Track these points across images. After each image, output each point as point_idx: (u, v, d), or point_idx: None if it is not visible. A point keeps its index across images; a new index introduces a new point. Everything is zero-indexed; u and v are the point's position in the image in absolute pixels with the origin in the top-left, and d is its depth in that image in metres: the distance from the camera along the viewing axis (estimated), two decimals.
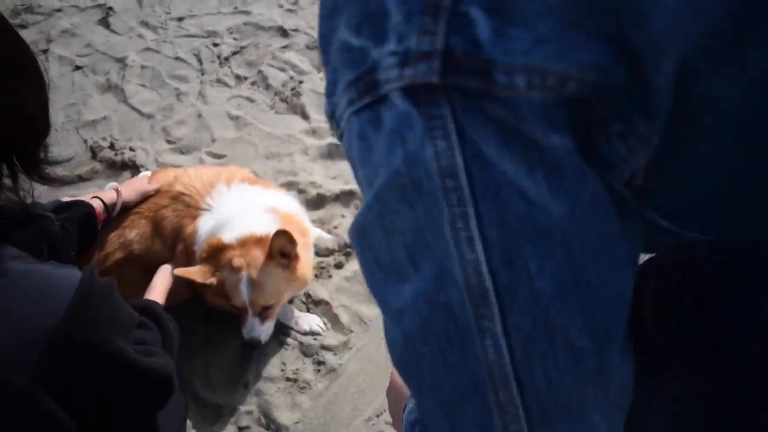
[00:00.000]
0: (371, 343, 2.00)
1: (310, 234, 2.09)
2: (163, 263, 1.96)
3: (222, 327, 2.03)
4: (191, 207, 2.02)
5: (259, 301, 1.83)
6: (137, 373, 1.34)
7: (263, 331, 1.88)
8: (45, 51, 3.40)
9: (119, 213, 2.08)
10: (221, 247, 1.91)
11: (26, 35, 3.49)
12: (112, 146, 2.81)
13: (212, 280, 1.84)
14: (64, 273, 1.17)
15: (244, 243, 1.89)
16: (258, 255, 1.84)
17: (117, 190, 2.08)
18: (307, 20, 3.23)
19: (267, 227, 1.87)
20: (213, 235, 1.94)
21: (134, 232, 2.05)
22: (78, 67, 3.28)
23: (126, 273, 1.97)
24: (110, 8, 3.61)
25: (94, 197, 2.03)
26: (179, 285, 1.92)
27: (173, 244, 2.03)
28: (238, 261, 1.83)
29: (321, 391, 1.91)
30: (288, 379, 1.94)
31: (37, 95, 1.20)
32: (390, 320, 0.60)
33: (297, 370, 1.96)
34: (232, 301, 1.84)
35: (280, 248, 1.82)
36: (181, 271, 1.84)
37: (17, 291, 1.08)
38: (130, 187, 2.13)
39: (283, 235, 1.80)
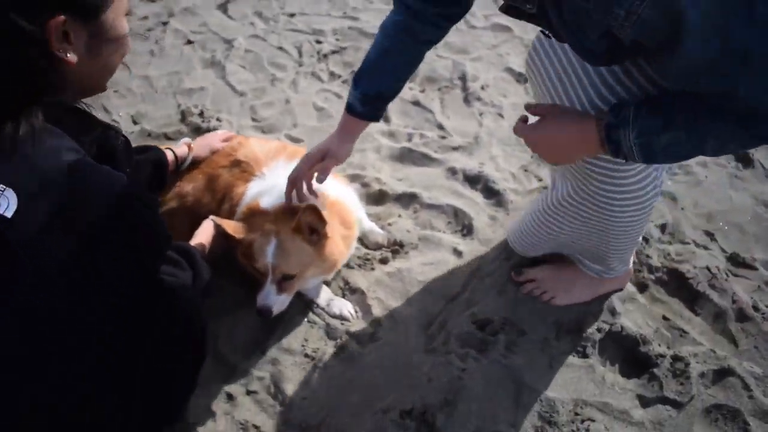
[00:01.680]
0: (396, 341, 1.94)
1: (355, 226, 2.08)
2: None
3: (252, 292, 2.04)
4: (246, 172, 2.06)
5: (281, 266, 1.81)
6: (156, 288, 1.37)
7: (277, 301, 1.85)
8: (165, 23, 3.64)
9: (188, 166, 2.17)
10: (258, 210, 1.93)
11: (151, 8, 3.77)
12: (201, 114, 2.94)
13: (242, 236, 1.85)
14: (115, 174, 1.22)
15: (280, 212, 1.90)
16: (289, 226, 1.85)
17: (188, 146, 2.17)
18: None
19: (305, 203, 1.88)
20: (255, 199, 1.98)
21: (190, 185, 2.12)
22: (189, 42, 3.48)
23: (177, 222, 2.02)
24: None
25: (168, 148, 2.12)
26: (215, 237, 1.96)
27: (221, 201, 2.07)
28: (269, 226, 1.85)
29: (335, 374, 1.86)
30: (306, 356, 1.91)
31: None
32: None
33: (317, 349, 1.93)
34: (256, 262, 1.84)
35: (308, 223, 1.82)
36: (217, 219, 1.87)
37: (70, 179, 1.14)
38: (202, 143, 2.21)
39: (311, 210, 1.80)
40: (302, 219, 1.80)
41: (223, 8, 3.78)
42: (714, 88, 1.14)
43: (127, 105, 3.05)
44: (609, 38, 1.18)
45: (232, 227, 1.87)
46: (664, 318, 1.98)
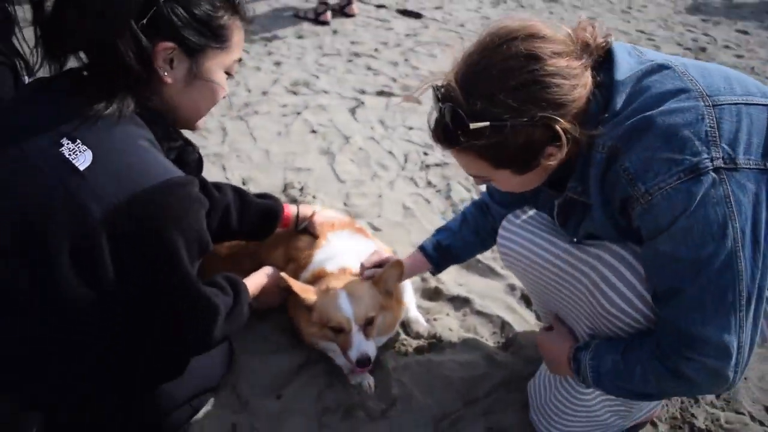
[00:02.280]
0: (405, 425, 1.92)
1: (402, 307, 2.16)
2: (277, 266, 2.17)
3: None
4: (313, 237, 2.23)
5: (360, 311, 1.89)
6: (188, 289, 1.48)
7: (370, 346, 1.91)
8: (299, 113, 4.10)
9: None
10: (323, 274, 2.07)
11: (293, 99, 4.26)
12: (301, 189, 3.23)
13: (311, 297, 1.97)
14: (173, 169, 1.41)
15: (343, 272, 2.03)
16: (355, 281, 1.97)
17: (314, 213, 2.37)
18: None
19: (372, 256, 2.01)
20: (321, 266, 2.12)
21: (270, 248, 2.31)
22: (313, 131, 3.90)
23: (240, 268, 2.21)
24: (362, 103, 4.27)
25: (294, 205, 2.35)
26: (272, 290, 2.10)
27: (288, 261, 2.24)
28: (335, 282, 1.97)
29: None
30: (316, 411, 1.95)
31: None
32: None
33: (328, 408, 1.96)
34: (330, 322, 1.91)
35: (389, 278, 1.98)
36: (287, 277, 2.00)
37: (132, 155, 1.35)
38: (323, 216, 2.38)
39: (398, 264, 1.94)
40: (387, 271, 1.96)
41: (352, 111, 4.20)
42: (669, 282, 1.31)
43: (243, 168, 3.43)
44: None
45: (300, 288, 1.97)
46: None
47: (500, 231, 1.86)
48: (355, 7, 6.26)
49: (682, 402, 2.05)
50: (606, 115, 1.31)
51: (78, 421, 1.58)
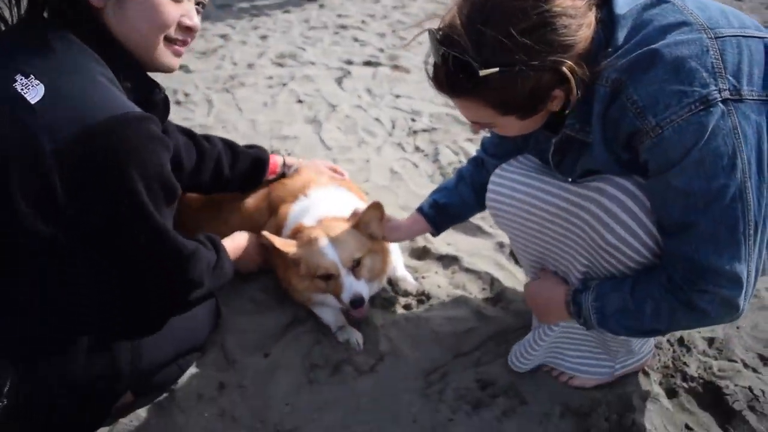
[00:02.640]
0: (393, 377, 1.89)
1: (389, 261, 2.13)
2: (263, 227, 2.13)
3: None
4: (295, 191, 2.19)
5: (346, 253, 1.86)
6: (153, 234, 1.40)
7: (362, 285, 1.88)
8: (284, 84, 4.05)
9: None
10: (302, 229, 2.03)
11: (278, 71, 4.20)
12: (288, 155, 3.18)
13: (293, 250, 1.93)
14: (131, 105, 1.34)
15: (322, 221, 2.00)
16: (336, 225, 1.93)
17: (300, 161, 2.37)
18: None
19: (345, 211, 1.96)
20: (298, 220, 2.08)
21: (253, 198, 2.27)
22: (300, 101, 3.85)
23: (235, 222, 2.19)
24: (348, 72, 4.22)
25: (281, 155, 2.33)
26: (251, 252, 2.07)
27: (270, 215, 2.21)
28: (315, 232, 1.94)
29: (324, 391, 1.83)
30: (303, 368, 1.92)
31: None
32: None
33: (315, 365, 1.93)
34: (318, 270, 1.88)
35: (368, 220, 1.94)
36: (269, 234, 1.97)
37: (88, 89, 1.30)
38: (311, 163, 2.41)
39: (376, 206, 1.91)
40: (366, 213, 1.93)
41: (338, 81, 4.15)
42: (680, 216, 1.30)
43: (229, 138, 3.37)
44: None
45: (281, 242, 1.95)
46: (687, 427, 1.79)
47: (490, 179, 1.82)
48: None
49: (674, 351, 2.03)
50: (609, 50, 1.29)
51: (60, 377, 1.53)
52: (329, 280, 1.90)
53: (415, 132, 3.50)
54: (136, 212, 1.34)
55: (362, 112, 3.72)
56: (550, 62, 1.23)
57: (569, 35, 1.23)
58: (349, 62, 4.45)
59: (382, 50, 4.64)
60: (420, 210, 2.05)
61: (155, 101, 1.55)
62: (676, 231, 1.32)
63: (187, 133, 2.09)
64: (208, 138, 2.06)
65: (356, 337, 2.03)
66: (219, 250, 1.77)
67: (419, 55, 4.46)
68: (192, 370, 1.92)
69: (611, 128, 1.33)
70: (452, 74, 1.27)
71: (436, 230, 2.07)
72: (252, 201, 2.27)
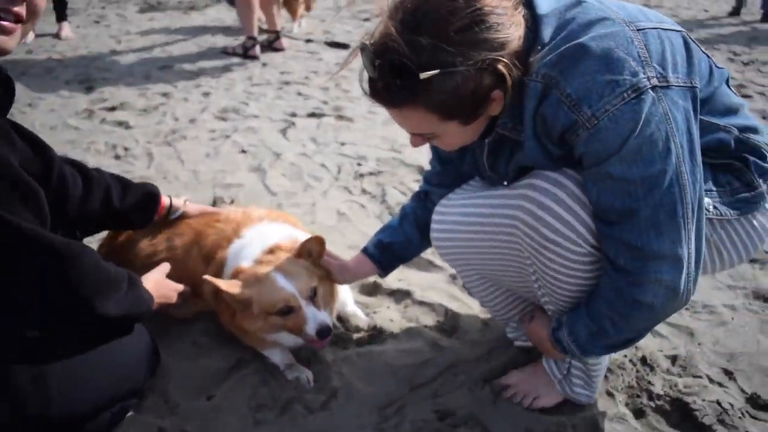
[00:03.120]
0: (346, 415, 1.75)
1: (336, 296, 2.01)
2: (197, 274, 1.97)
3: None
4: (228, 234, 2.05)
5: (302, 283, 1.77)
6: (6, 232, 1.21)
7: (325, 315, 1.77)
8: (227, 137, 3.98)
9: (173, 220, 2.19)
10: (242, 270, 1.89)
11: (221, 125, 4.13)
12: (231, 202, 3.08)
13: (239, 291, 1.79)
14: None
15: (262, 258, 1.87)
16: (281, 260, 1.82)
17: (185, 202, 2.21)
18: None
19: (285, 239, 1.86)
20: (236, 263, 1.94)
21: (180, 239, 2.12)
22: (243, 151, 3.78)
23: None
24: (293, 123, 4.19)
25: (168, 196, 2.17)
26: (188, 296, 1.91)
27: (207, 261, 2.05)
28: (262, 268, 1.82)
29: (267, 430, 1.68)
30: (250, 408, 1.76)
31: None
32: None
33: (263, 405, 1.78)
34: (276, 305, 1.75)
35: (309, 250, 1.87)
36: (210, 278, 1.81)
37: None
38: (197, 205, 2.25)
39: (316, 239, 1.84)
40: (305, 244, 1.85)
41: (283, 132, 4.11)
42: (620, 204, 1.30)
43: (170, 188, 3.26)
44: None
45: (227, 284, 1.80)
46: None
47: (433, 216, 1.77)
48: (284, 41, 6.25)
49: (637, 371, 1.96)
50: (537, 47, 1.30)
51: None
52: (288, 314, 1.77)
53: (361, 175, 3.45)
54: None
55: (307, 159, 3.67)
56: (488, 60, 1.22)
57: (502, 32, 1.24)
58: (293, 114, 4.43)
59: (325, 102, 4.65)
60: (365, 250, 1.98)
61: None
62: (617, 220, 1.32)
63: (71, 162, 1.91)
64: (96, 169, 1.92)
65: (306, 374, 1.89)
66: (132, 276, 1.59)
67: (363, 105, 4.49)
68: (130, 416, 1.74)
69: (544, 124, 1.33)
70: (391, 83, 1.24)
71: (383, 270, 1.99)
72: (180, 249, 2.10)
